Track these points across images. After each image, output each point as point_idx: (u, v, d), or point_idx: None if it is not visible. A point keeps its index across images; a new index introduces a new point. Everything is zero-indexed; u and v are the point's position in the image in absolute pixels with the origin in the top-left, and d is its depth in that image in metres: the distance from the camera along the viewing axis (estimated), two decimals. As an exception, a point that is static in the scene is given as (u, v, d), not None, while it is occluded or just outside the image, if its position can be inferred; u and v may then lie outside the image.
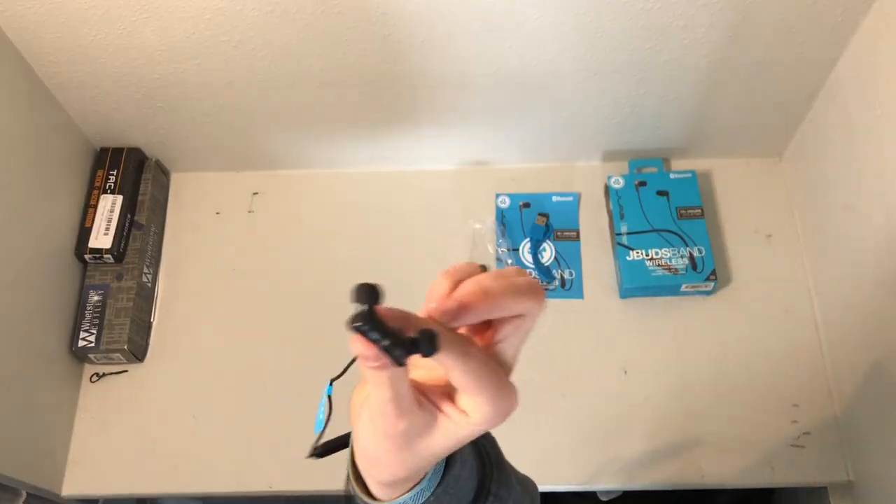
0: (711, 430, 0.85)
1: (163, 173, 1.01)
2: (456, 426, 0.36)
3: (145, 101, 0.88)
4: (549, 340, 0.90)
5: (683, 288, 0.90)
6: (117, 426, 0.88)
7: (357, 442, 0.40)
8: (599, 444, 0.85)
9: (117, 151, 0.96)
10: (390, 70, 0.83)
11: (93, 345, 0.87)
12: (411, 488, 0.40)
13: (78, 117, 0.91)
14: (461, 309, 0.34)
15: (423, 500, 0.41)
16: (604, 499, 1.02)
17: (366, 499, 0.42)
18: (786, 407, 0.85)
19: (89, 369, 0.91)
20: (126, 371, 0.91)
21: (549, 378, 0.88)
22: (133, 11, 0.75)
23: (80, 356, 0.88)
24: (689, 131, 0.95)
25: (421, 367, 0.39)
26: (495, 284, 0.34)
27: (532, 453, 0.85)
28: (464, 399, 0.35)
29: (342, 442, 0.47)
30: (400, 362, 0.31)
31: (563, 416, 0.86)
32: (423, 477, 0.40)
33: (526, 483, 0.51)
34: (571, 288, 0.93)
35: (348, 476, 0.44)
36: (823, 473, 0.82)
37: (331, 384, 0.45)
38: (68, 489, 0.85)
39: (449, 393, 0.37)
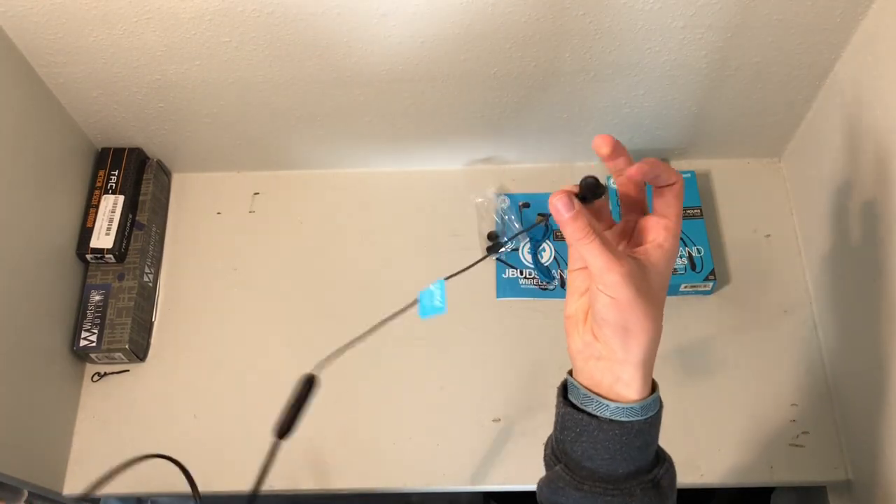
0: (710, 429, 0.85)
1: (164, 173, 1.01)
2: (657, 258, 0.48)
3: (146, 101, 0.88)
4: (548, 340, 0.91)
5: (682, 288, 0.90)
6: (118, 426, 0.88)
7: (602, 328, 0.48)
8: (599, 444, 0.85)
9: (119, 152, 0.96)
10: (390, 71, 0.83)
11: (94, 344, 0.87)
12: (650, 394, 0.48)
13: (79, 118, 0.92)
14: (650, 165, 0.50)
15: (658, 407, 0.49)
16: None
17: (622, 402, 0.48)
18: (784, 406, 0.86)
19: (90, 369, 0.91)
20: (127, 371, 0.91)
21: (549, 378, 0.88)
22: (134, 12, 0.75)
23: (81, 356, 0.89)
24: (688, 132, 0.95)
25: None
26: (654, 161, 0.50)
27: (532, 453, 0.85)
28: (651, 235, 0.50)
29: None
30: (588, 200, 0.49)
31: (562, 415, 0.87)
32: (655, 388, 0.49)
33: None
34: (571, 288, 0.93)
35: (572, 392, 0.51)
36: (822, 472, 0.83)
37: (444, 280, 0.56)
38: (70, 488, 0.85)
39: (634, 243, 0.51)
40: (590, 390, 0.49)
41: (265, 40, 0.79)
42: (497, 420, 0.87)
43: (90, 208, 0.92)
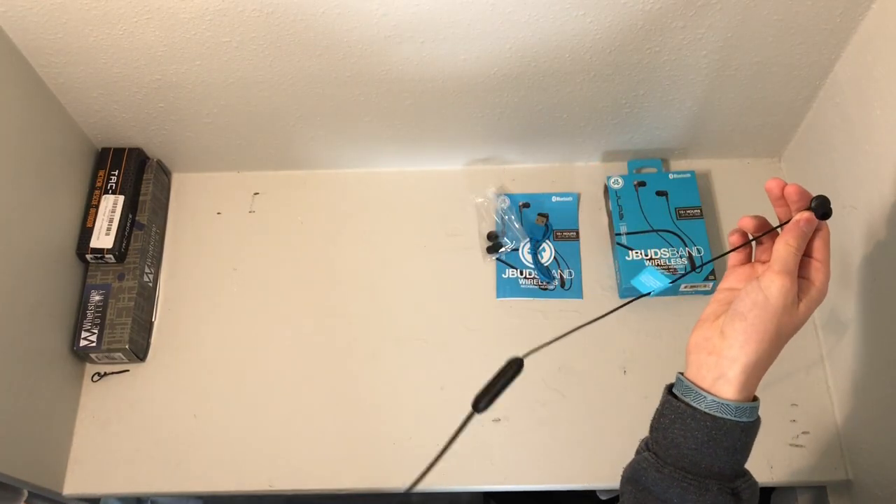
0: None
1: (164, 173, 1.01)
2: (812, 296, 0.55)
3: (146, 101, 0.88)
4: (548, 340, 0.90)
5: (682, 288, 0.90)
6: (118, 425, 0.88)
7: (734, 322, 0.52)
8: (599, 444, 0.85)
9: (119, 152, 0.96)
10: (390, 71, 0.83)
11: (94, 344, 0.87)
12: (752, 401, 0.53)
13: (79, 118, 0.92)
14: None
15: (753, 419, 0.52)
16: (603, 497, 1.02)
17: (719, 397, 0.51)
18: (785, 406, 0.86)
19: (91, 369, 0.91)
20: (127, 371, 0.91)
21: (548, 378, 0.88)
22: (134, 12, 0.75)
23: (81, 356, 0.89)
24: (688, 132, 0.95)
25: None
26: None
27: (532, 453, 0.85)
28: (813, 271, 0.56)
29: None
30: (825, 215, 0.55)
31: (563, 415, 0.87)
32: (756, 400, 0.53)
33: None
34: (571, 288, 0.93)
35: (683, 389, 0.54)
36: (822, 472, 0.83)
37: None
38: (70, 488, 0.85)
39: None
40: (693, 383, 0.53)
41: (265, 40, 0.79)
42: (497, 420, 0.87)
43: (90, 208, 0.92)
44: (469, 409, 0.62)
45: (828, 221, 0.57)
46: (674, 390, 0.55)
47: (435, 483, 0.84)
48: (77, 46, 0.80)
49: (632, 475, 0.55)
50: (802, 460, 0.83)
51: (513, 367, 0.62)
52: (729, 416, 0.51)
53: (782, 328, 0.52)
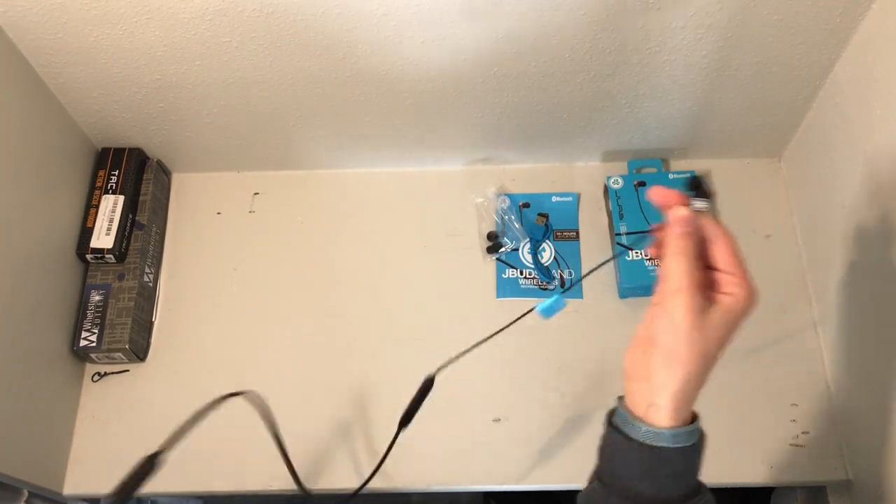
0: (710, 429, 0.84)
1: (164, 173, 1.01)
2: (727, 306, 0.49)
3: (146, 101, 0.88)
4: (548, 340, 0.91)
5: (683, 288, 0.90)
6: (119, 425, 0.88)
7: (652, 347, 0.49)
8: (599, 444, 0.85)
9: (119, 152, 0.96)
10: (390, 71, 0.83)
11: (94, 344, 0.87)
12: (691, 422, 0.50)
13: (79, 118, 0.92)
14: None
15: (694, 441, 0.50)
16: (603, 498, 1.02)
17: (653, 426, 0.49)
18: (784, 406, 0.86)
19: (91, 369, 0.91)
20: (127, 371, 0.91)
21: (548, 377, 0.88)
22: (134, 12, 0.75)
23: (81, 356, 0.89)
24: (687, 132, 0.95)
25: None
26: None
27: (532, 453, 0.85)
28: (727, 286, 0.50)
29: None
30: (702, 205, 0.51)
31: (563, 415, 0.87)
32: (695, 420, 0.50)
33: None
34: (571, 288, 0.93)
35: (621, 416, 0.51)
36: (822, 472, 0.83)
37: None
38: (70, 488, 0.85)
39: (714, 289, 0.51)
40: (628, 412, 0.51)
41: (265, 40, 0.79)
42: (497, 420, 0.87)
43: (90, 208, 0.92)
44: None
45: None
46: (613, 420, 0.52)
47: (435, 483, 0.84)
48: (77, 46, 0.80)
49: None
50: (802, 460, 0.83)
51: (426, 386, 0.69)
52: (664, 444, 0.48)
53: (703, 346, 0.49)
